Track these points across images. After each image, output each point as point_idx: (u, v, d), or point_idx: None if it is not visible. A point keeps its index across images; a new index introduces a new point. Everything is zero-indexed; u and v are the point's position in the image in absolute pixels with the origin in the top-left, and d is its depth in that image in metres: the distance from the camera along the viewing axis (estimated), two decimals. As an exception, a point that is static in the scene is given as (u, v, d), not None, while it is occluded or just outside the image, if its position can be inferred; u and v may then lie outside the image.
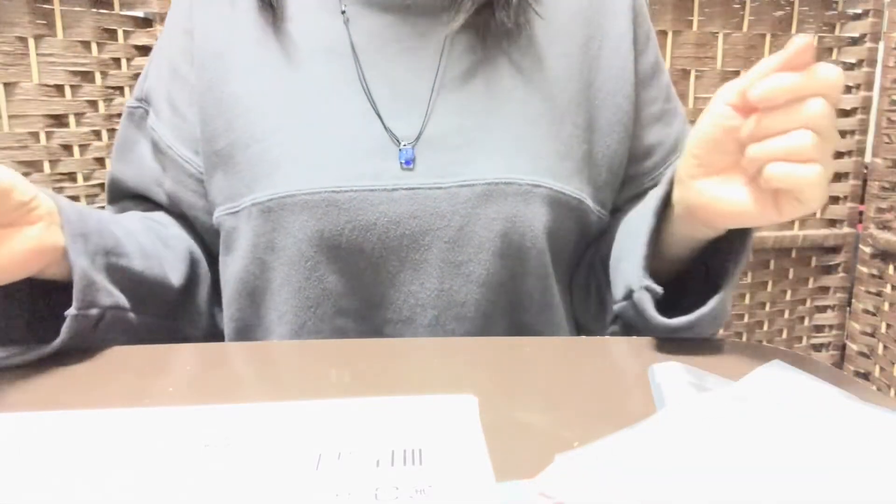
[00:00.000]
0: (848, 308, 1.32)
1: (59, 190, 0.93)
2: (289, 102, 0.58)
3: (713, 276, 0.53)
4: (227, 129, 0.59)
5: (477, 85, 0.59)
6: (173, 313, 0.61)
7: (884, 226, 1.24)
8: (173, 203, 0.65)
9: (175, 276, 0.60)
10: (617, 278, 0.56)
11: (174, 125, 0.63)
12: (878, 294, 1.25)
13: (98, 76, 0.95)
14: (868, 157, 1.25)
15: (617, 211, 0.66)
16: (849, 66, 1.22)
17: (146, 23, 0.99)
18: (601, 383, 0.45)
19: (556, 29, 0.61)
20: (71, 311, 0.47)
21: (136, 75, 0.68)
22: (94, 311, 0.48)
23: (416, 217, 0.56)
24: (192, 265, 0.64)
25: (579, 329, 0.67)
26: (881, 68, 1.21)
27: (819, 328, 1.34)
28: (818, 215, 1.28)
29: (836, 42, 1.22)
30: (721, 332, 0.53)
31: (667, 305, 0.51)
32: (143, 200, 0.67)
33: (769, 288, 1.30)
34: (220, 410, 0.38)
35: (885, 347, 1.24)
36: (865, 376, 1.29)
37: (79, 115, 0.94)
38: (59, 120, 0.92)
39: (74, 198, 0.94)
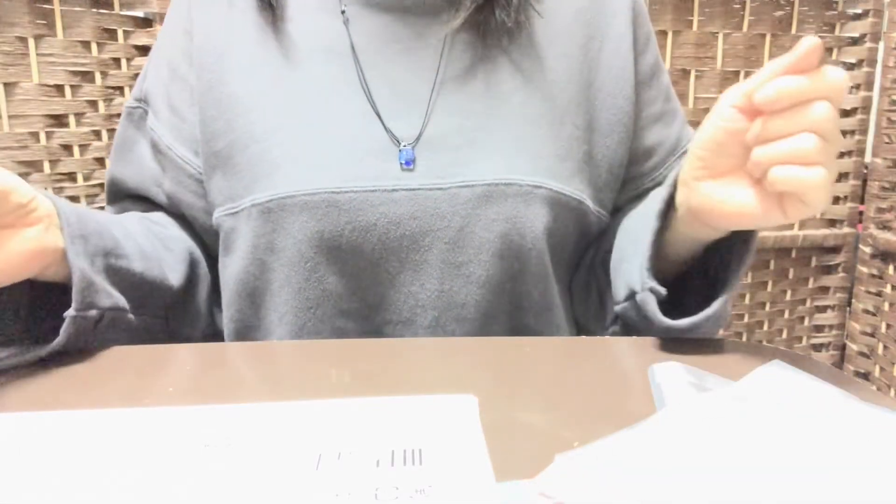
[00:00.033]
0: (848, 308, 1.32)
1: (59, 190, 0.93)
2: (288, 103, 0.58)
3: (713, 276, 0.53)
4: (226, 130, 0.59)
5: (477, 85, 0.59)
6: (173, 314, 0.61)
7: (884, 226, 1.24)
8: (173, 204, 0.65)
9: (174, 277, 0.60)
10: (618, 279, 0.56)
11: (173, 126, 0.63)
12: (878, 294, 1.25)
13: (98, 76, 0.95)
14: (868, 157, 1.25)
15: (617, 211, 0.66)
16: (849, 66, 1.22)
17: (146, 23, 0.99)
18: (601, 383, 0.45)
19: (557, 29, 0.61)
20: (70, 313, 0.47)
21: (136, 75, 0.68)
22: (93, 313, 0.48)
23: (416, 218, 0.56)
24: (192, 266, 0.64)
25: (579, 329, 0.67)
26: (881, 68, 1.21)
27: (819, 328, 1.34)
28: (818, 215, 1.28)
29: (836, 42, 1.22)
30: (721, 332, 0.53)
31: (667, 305, 0.51)
32: (143, 201, 0.67)
33: (769, 288, 1.30)
34: (220, 410, 0.38)
35: (885, 347, 1.24)
36: (865, 376, 1.29)
37: (79, 115, 0.94)
38: (59, 120, 0.92)
39: (74, 198, 0.94)
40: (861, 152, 1.24)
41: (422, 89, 0.59)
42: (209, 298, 0.66)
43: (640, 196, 0.66)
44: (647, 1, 1.12)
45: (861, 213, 1.27)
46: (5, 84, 0.86)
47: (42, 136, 0.91)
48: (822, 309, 1.33)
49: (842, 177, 1.25)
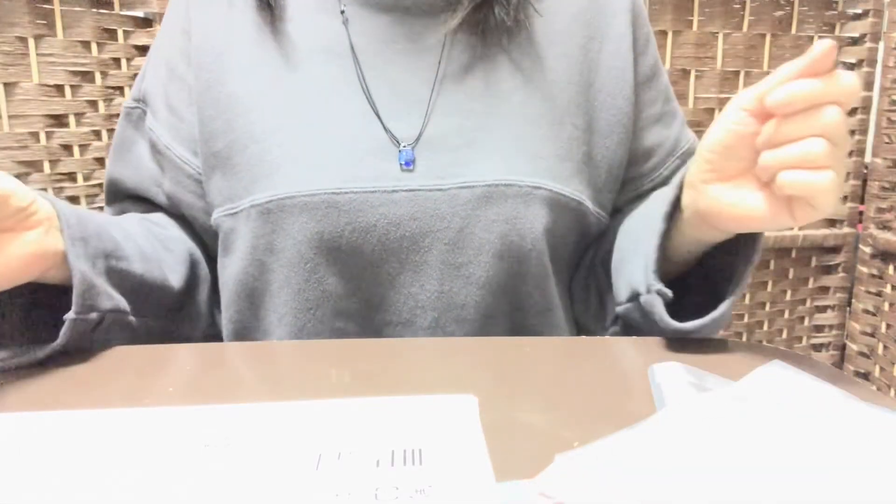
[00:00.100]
0: (848, 308, 1.32)
1: (59, 190, 0.93)
2: (288, 103, 0.58)
3: (713, 277, 0.53)
4: (225, 130, 0.59)
5: (477, 84, 0.59)
6: (173, 316, 0.61)
7: (884, 226, 1.24)
8: (173, 204, 0.65)
9: (175, 278, 0.60)
10: (619, 280, 0.56)
11: (172, 126, 0.63)
12: (878, 294, 1.25)
13: (98, 76, 0.95)
14: (868, 157, 1.25)
15: (616, 212, 0.66)
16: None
17: (146, 23, 0.99)
18: (601, 383, 0.45)
19: (556, 30, 0.61)
20: (70, 316, 0.47)
21: (136, 75, 0.68)
22: (93, 315, 0.48)
23: (415, 219, 0.56)
24: (192, 267, 0.63)
25: (579, 330, 0.67)
26: (881, 68, 1.21)
27: (819, 328, 1.34)
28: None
29: (837, 42, 1.22)
30: (721, 331, 0.53)
31: (666, 306, 0.51)
32: (142, 202, 0.67)
33: (769, 288, 1.30)
34: (220, 410, 0.38)
35: (885, 347, 1.24)
36: (865, 376, 1.29)
37: (79, 115, 0.94)
38: (59, 120, 0.92)
39: (74, 198, 0.94)
40: (861, 152, 1.24)
41: (421, 89, 0.59)
42: (210, 299, 0.66)
43: (639, 197, 0.66)
44: (646, 1, 1.12)
45: (861, 213, 1.27)
46: (5, 84, 0.86)
47: (42, 136, 0.91)
48: (822, 309, 1.33)
49: (841, 177, 1.25)
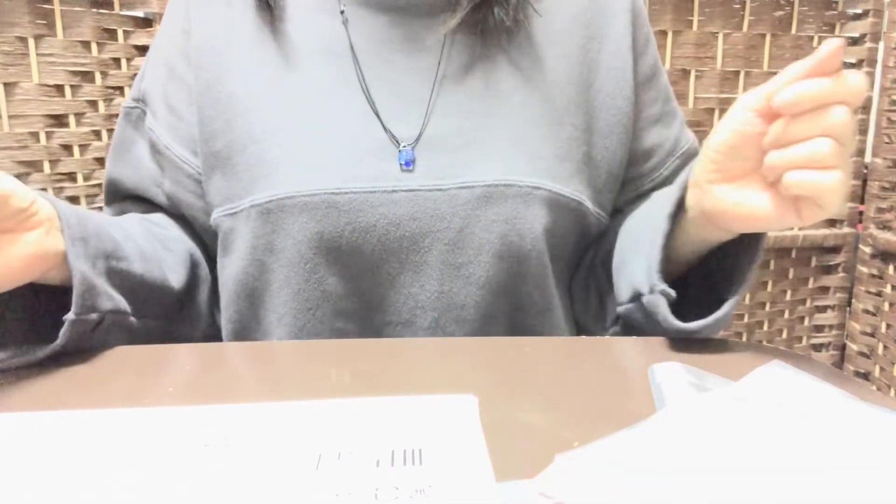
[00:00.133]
0: (848, 308, 1.32)
1: (59, 190, 0.93)
2: (288, 103, 0.58)
3: (713, 276, 0.53)
4: (225, 130, 0.59)
5: (476, 84, 0.59)
6: (173, 316, 0.61)
7: (884, 226, 1.24)
8: (173, 204, 0.65)
9: (175, 278, 0.60)
10: (621, 280, 0.56)
11: (171, 125, 0.63)
12: (878, 294, 1.25)
13: (98, 76, 0.95)
14: (868, 157, 1.25)
15: (616, 213, 0.66)
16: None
17: (146, 23, 0.99)
18: (601, 383, 0.45)
19: (556, 30, 0.61)
20: (70, 316, 0.47)
21: (136, 75, 0.68)
22: (93, 316, 0.48)
23: (415, 219, 0.56)
24: (192, 267, 0.63)
25: (579, 330, 0.67)
26: (881, 68, 1.21)
27: (819, 328, 1.34)
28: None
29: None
30: (721, 331, 0.53)
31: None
32: (142, 202, 0.67)
33: (769, 288, 1.30)
34: (220, 410, 0.38)
35: (885, 347, 1.24)
36: (865, 376, 1.29)
37: (79, 115, 0.94)
38: (59, 120, 0.92)
39: (74, 198, 0.94)
40: (861, 152, 1.24)
41: (421, 89, 0.59)
42: (210, 299, 0.66)
43: (639, 197, 0.66)
44: (646, 1, 1.12)
45: (861, 213, 1.27)
46: (5, 84, 0.86)
47: (42, 136, 0.91)
48: (822, 309, 1.33)
49: (842, 177, 1.25)
